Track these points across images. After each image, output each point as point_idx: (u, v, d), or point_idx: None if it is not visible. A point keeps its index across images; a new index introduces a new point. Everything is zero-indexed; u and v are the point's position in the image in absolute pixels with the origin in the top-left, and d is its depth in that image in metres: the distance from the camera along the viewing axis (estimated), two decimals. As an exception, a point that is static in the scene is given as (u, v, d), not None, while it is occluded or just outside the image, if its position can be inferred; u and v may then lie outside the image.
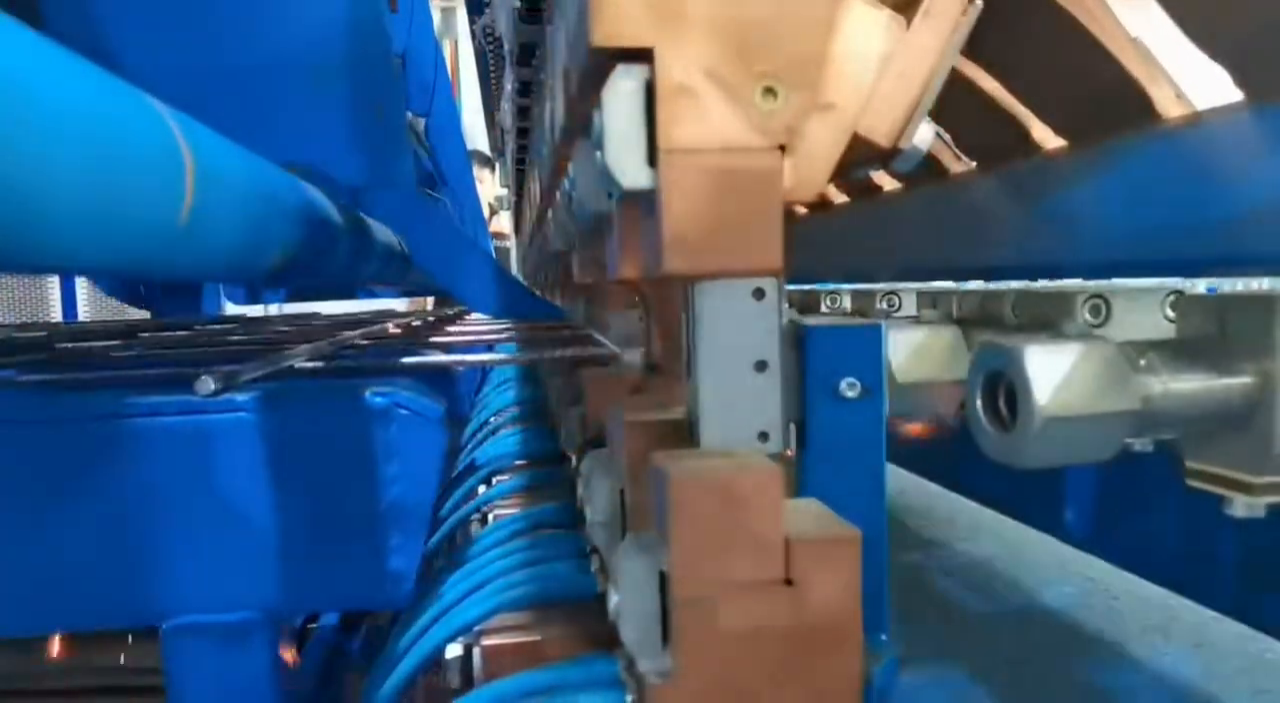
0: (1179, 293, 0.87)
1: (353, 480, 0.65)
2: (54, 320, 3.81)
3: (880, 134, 0.39)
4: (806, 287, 1.68)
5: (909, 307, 1.39)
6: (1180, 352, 0.63)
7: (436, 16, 3.83)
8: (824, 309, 1.61)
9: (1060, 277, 0.97)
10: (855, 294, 1.59)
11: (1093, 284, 0.95)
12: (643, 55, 0.35)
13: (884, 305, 1.42)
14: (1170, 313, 0.86)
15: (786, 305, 0.45)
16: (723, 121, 0.35)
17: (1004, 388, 0.62)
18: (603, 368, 0.78)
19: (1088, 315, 0.88)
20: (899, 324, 0.86)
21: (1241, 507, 0.60)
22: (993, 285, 1.16)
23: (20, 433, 0.62)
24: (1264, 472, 0.60)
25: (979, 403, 0.64)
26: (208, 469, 0.63)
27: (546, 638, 0.58)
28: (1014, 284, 1.06)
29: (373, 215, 1.15)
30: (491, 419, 1.37)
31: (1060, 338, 0.61)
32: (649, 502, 0.42)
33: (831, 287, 1.64)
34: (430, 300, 3.49)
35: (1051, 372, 0.58)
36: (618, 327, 0.88)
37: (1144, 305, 0.88)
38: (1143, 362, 0.61)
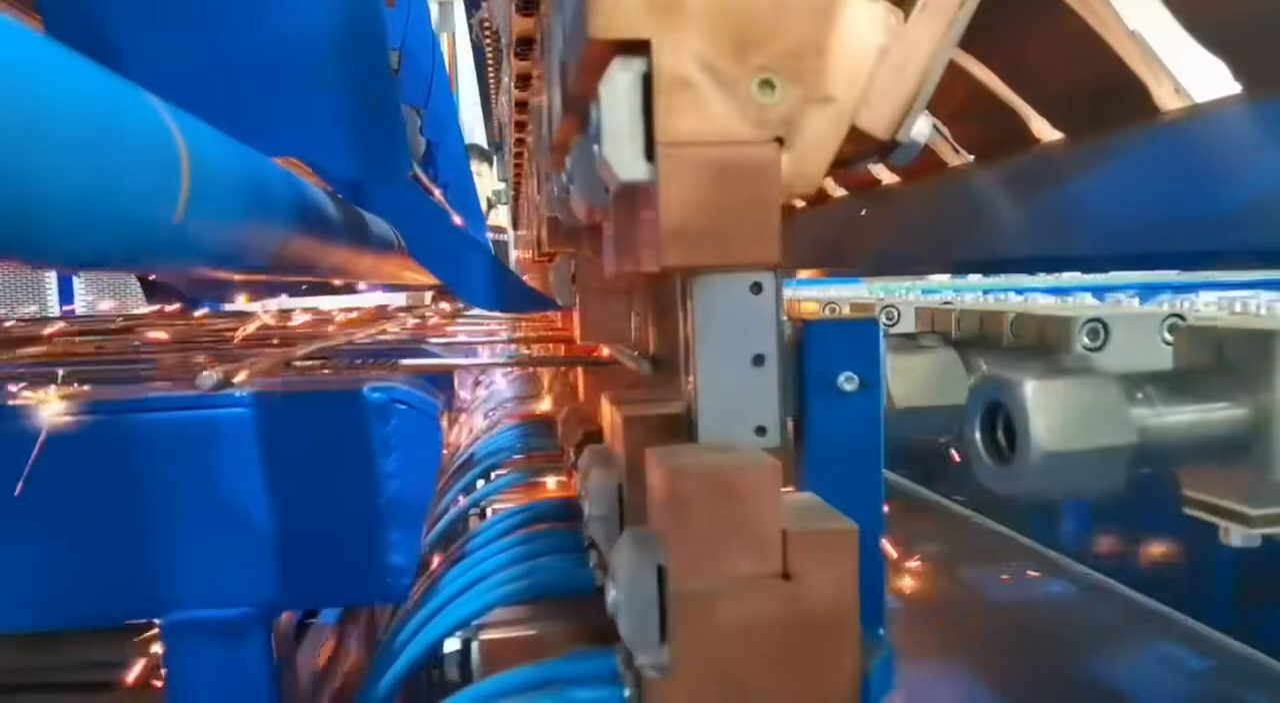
0: (1177, 317, 0.87)
1: (351, 476, 0.65)
2: (52, 315, 3.81)
3: (878, 127, 0.39)
4: (804, 295, 1.70)
5: (908, 320, 1.39)
6: (1178, 384, 0.63)
7: (434, 10, 3.82)
8: (822, 320, 1.62)
9: (1058, 269, 0.97)
10: (854, 307, 1.61)
11: (1091, 307, 0.96)
12: (640, 48, 0.34)
13: (883, 318, 1.42)
14: (1168, 336, 0.87)
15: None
16: (720, 114, 0.35)
17: (1002, 420, 0.62)
18: (601, 362, 0.78)
19: (1086, 339, 0.88)
20: (897, 347, 0.86)
21: (1238, 537, 0.60)
22: (991, 305, 1.17)
23: (16, 429, 0.62)
24: (1261, 503, 0.60)
25: (977, 435, 0.64)
26: (206, 465, 0.63)
27: (545, 633, 0.58)
28: (1013, 303, 1.07)
29: (369, 210, 1.15)
30: (490, 413, 1.37)
31: (1059, 371, 0.61)
32: (647, 496, 0.42)
33: (831, 293, 1.66)
34: (429, 295, 3.49)
35: (1050, 406, 0.58)
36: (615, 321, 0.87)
37: (1142, 329, 0.89)
38: (1140, 395, 0.61)
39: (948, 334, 1.10)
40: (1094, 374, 0.61)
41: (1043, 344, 0.95)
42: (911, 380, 0.84)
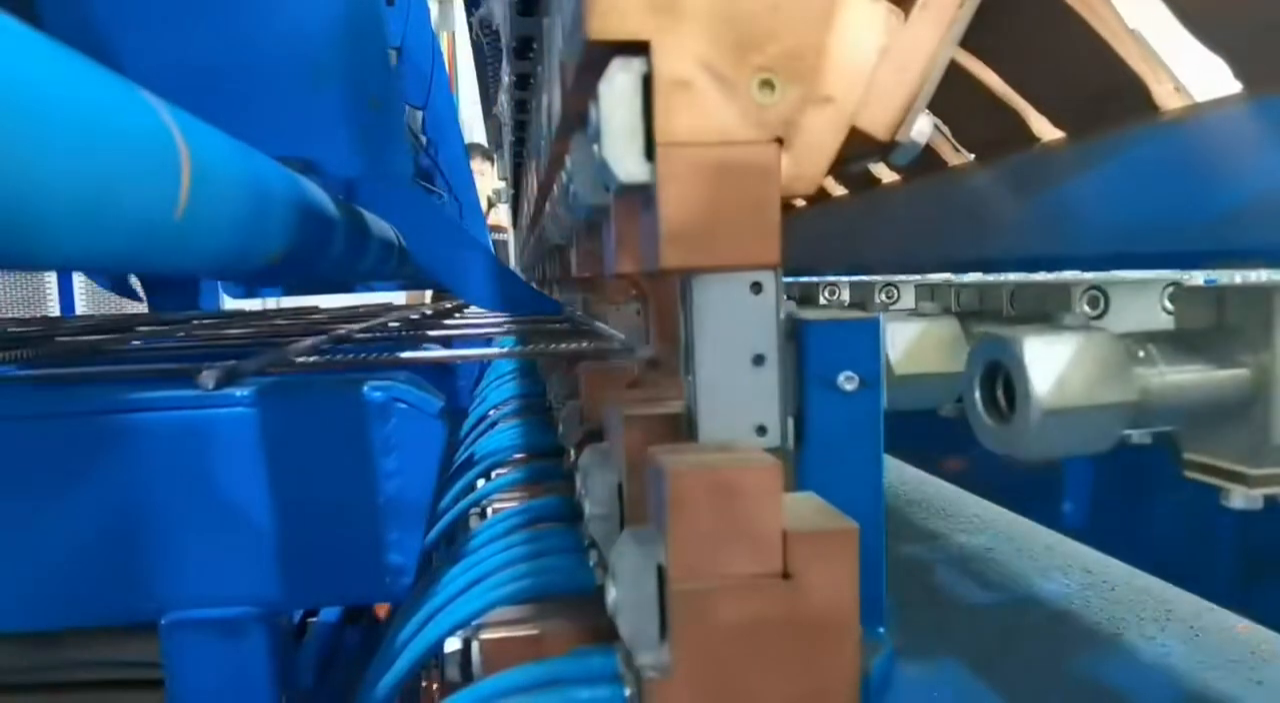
0: (1177, 284, 0.87)
1: (351, 475, 0.65)
2: (52, 314, 3.81)
3: (878, 127, 0.39)
4: (804, 278, 1.68)
5: (907, 299, 1.39)
6: (1179, 343, 0.63)
7: (434, 9, 3.82)
8: (822, 302, 1.61)
9: (1058, 269, 0.97)
10: (854, 286, 1.59)
11: (1091, 276, 0.96)
12: (640, 48, 0.34)
13: (882, 297, 1.41)
14: (1169, 305, 0.87)
15: (785, 297, 0.45)
16: (720, 115, 0.35)
17: (1002, 379, 0.61)
18: (601, 362, 0.78)
19: (1086, 307, 0.88)
20: (897, 316, 0.85)
21: (1239, 498, 0.60)
22: (991, 278, 1.17)
23: (17, 428, 0.62)
24: (1261, 463, 0.60)
25: (977, 394, 0.64)
26: (205, 464, 0.63)
27: (545, 632, 0.58)
28: (1012, 277, 1.07)
29: (369, 209, 1.15)
30: (490, 413, 1.37)
31: (1059, 329, 0.60)
32: (647, 496, 0.42)
33: (830, 278, 1.64)
34: (428, 294, 3.49)
35: (1050, 363, 0.58)
36: (616, 321, 0.87)
37: (1142, 297, 0.89)
38: (1141, 353, 0.61)
39: (948, 308, 1.09)
40: (1094, 332, 0.61)
41: (1042, 314, 0.94)
42: (911, 347, 0.84)
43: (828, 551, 0.37)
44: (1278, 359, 0.60)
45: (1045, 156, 0.70)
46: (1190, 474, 0.65)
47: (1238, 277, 1.36)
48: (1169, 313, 0.86)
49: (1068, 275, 1.10)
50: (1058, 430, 0.58)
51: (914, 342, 0.85)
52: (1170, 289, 0.88)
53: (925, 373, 0.84)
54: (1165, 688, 0.86)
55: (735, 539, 0.37)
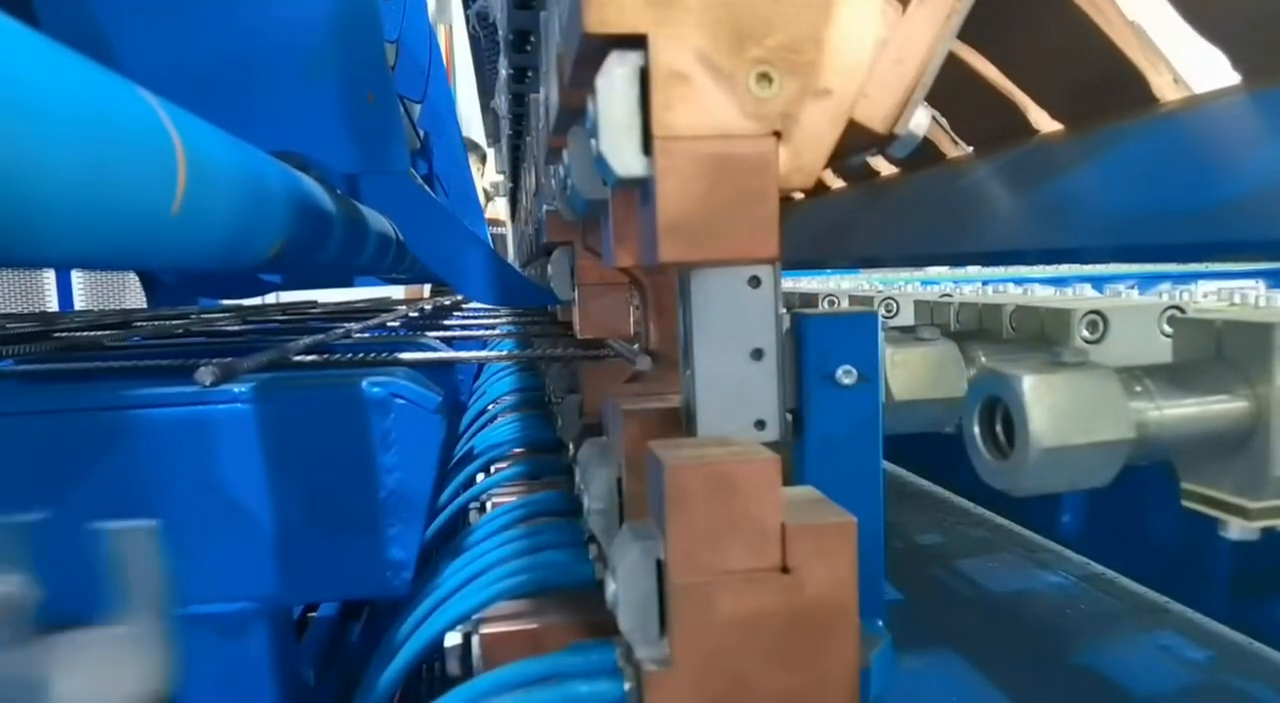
0: (1176, 309, 0.88)
1: (351, 470, 0.65)
2: (50, 309, 3.81)
3: (877, 120, 0.39)
4: (804, 286, 1.70)
5: (907, 311, 1.39)
6: (1176, 377, 0.63)
7: (431, 2, 3.81)
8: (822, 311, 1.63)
9: (1057, 261, 0.97)
10: (853, 299, 1.62)
11: (1090, 301, 0.97)
12: (637, 41, 0.34)
13: (882, 311, 1.42)
14: (1167, 328, 0.87)
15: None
16: (717, 108, 0.35)
17: (1000, 414, 0.62)
18: (601, 357, 0.78)
19: (1085, 331, 0.89)
20: (895, 340, 0.86)
21: (1236, 530, 0.61)
22: (991, 297, 1.17)
23: (14, 424, 0.62)
24: (1260, 496, 0.60)
25: (976, 429, 0.64)
26: (206, 460, 0.63)
27: (545, 626, 0.58)
28: (1012, 292, 1.08)
29: (367, 203, 1.15)
30: (490, 407, 1.37)
31: (1057, 366, 0.61)
32: (646, 490, 0.42)
33: (831, 285, 1.66)
34: (427, 287, 3.49)
35: (1048, 401, 0.58)
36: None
37: (1141, 322, 0.90)
38: (1138, 388, 0.61)
39: (946, 326, 1.10)
40: (1092, 368, 0.61)
41: (1042, 337, 0.95)
42: (911, 373, 0.84)
43: (826, 544, 0.37)
44: (1276, 392, 0.60)
45: (1044, 149, 0.70)
46: (1188, 505, 0.65)
47: (1236, 296, 1.36)
48: (1167, 336, 0.86)
49: (1067, 299, 1.11)
50: (1056, 468, 0.59)
51: (914, 367, 0.85)
52: (1169, 313, 0.89)
53: (924, 399, 0.84)
54: (1160, 687, 0.86)
55: (734, 533, 0.37)
